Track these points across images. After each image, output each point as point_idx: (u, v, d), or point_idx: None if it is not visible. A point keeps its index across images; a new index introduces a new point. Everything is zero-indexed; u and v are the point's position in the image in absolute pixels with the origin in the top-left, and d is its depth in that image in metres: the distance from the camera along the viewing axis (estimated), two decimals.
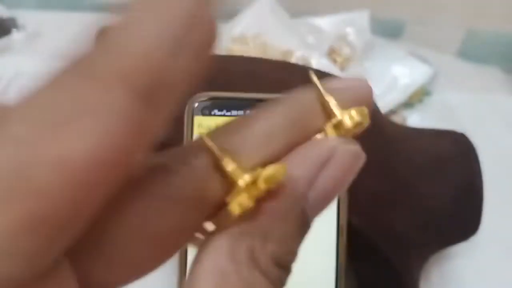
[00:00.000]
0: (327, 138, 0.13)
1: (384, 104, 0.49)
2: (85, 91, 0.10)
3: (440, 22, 0.61)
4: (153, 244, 0.12)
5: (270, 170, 0.12)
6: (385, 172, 0.30)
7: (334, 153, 0.13)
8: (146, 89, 0.10)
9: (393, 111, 0.51)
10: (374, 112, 0.34)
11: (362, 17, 0.55)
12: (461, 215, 0.31)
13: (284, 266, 0.13)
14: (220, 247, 0.12)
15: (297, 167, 0.13)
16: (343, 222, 0.25)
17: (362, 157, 0.14)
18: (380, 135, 0.31)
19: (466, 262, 0.39)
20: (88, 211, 0.10)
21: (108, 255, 0.12)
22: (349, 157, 0.13)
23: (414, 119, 0.51)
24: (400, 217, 0.30)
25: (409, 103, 0.52)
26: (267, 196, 0.12)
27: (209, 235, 0.13)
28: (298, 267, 0.25)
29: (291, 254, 0.13)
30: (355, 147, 0.14)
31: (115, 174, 0.10)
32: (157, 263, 0.13)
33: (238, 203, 0.12)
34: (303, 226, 0.13)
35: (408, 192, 0.30)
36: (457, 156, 0.31)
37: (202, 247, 0.13)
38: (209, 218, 0.13)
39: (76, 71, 0.10)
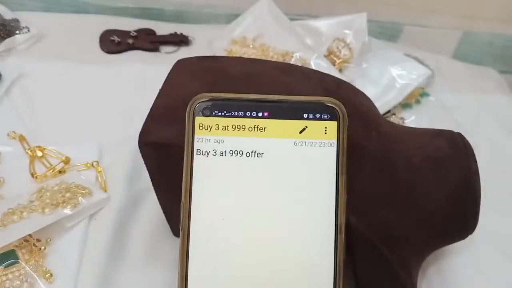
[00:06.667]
0: None
1: (382, 104, 0.50)
2: None
3: (437, 24, 0.62)
4: None
5: None
6: (383, 172, 0.31)
7: None
8: None
9: (391, 112, 0.51)
10: (372, 112, 0.34)
11: (360, 20, 0.55)
12: (458, 214, 0.31)
13: None
14: None
15: None
16: (342, 220, 0.26)
17: None
18: (378, 135, 0.31)
19: (463, 260, 0.39)
20: None
21: None
22: None
23: (412, 120, 0.51)
24: (397, 216, 0.30)
25: (406, 104, 0.52)
26: None
27: None
28: (297, 266, 0.25)
29: None
30: None
31: None
32: None
33: None
34: None
35: (405, 191, 0.30)
36: (454, 156, 0.31)
37: None
38: None
39: None
